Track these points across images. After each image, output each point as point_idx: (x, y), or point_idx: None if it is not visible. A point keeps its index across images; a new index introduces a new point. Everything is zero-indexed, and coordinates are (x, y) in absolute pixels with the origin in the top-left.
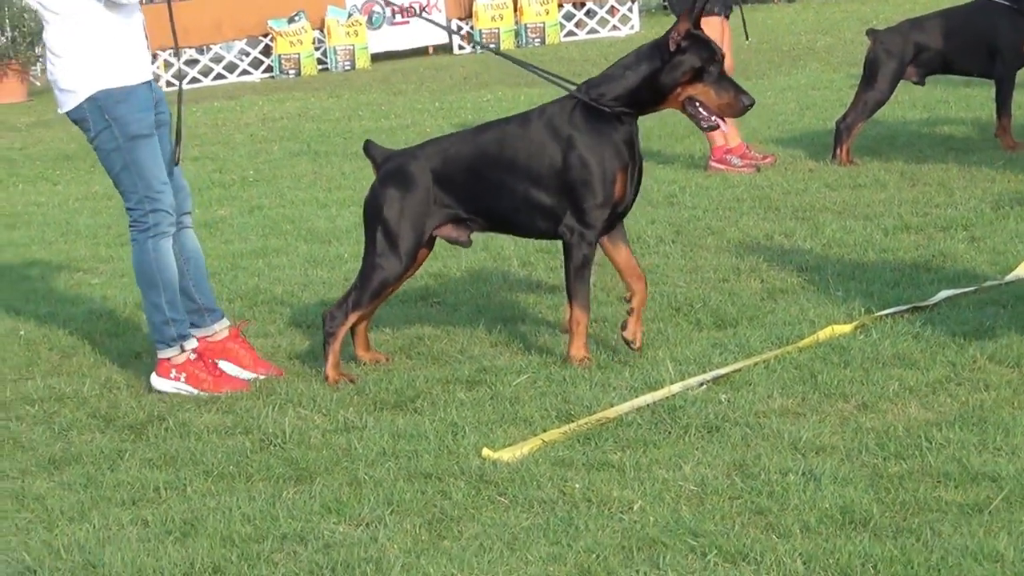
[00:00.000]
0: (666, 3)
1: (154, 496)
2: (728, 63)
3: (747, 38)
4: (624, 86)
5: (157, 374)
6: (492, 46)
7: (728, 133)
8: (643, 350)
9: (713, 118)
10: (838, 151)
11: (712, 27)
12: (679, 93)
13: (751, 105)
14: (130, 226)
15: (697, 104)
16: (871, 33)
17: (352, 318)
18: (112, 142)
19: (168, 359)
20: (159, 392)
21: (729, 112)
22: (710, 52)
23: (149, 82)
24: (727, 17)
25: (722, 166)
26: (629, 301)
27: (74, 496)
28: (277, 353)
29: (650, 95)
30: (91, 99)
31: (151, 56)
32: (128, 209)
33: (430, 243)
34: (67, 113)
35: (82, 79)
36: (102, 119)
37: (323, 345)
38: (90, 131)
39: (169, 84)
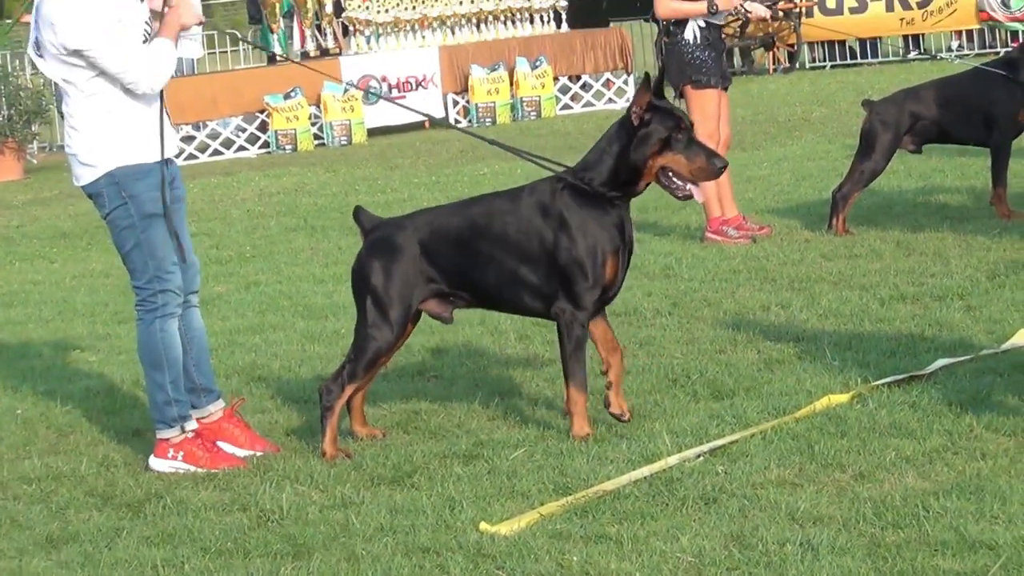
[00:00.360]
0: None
1: (152, 574)
2: (726, 134)
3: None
4: (606, 169)
5: (155, 455)
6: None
7: (725, 204)
8: (639, 422)
9: (688, 187)
10: (834, 221)
11: (709, 99)
12: (652, 166)
13: (724, 167)
14: (137, 305)
15: (670, 174)
16: (867, 104)
17: (348, 390)
18: (127, 219)
19: (167, 439)
20: (157, 472)
21: (702, 176)
22: (675, 120)
23: (168, 160)
24: (725, 89)
25: (718, 237)
26: (606, 374)
27: (72, 575)
28: (274, 429)
29: (627, 174)
30: (109, 175)
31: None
32: (136, 287)
33: (415, 317)
34: (83, 187)
35: (101, 154)
36: (118, 196)
37: (320, 420)
38: (104, 207)
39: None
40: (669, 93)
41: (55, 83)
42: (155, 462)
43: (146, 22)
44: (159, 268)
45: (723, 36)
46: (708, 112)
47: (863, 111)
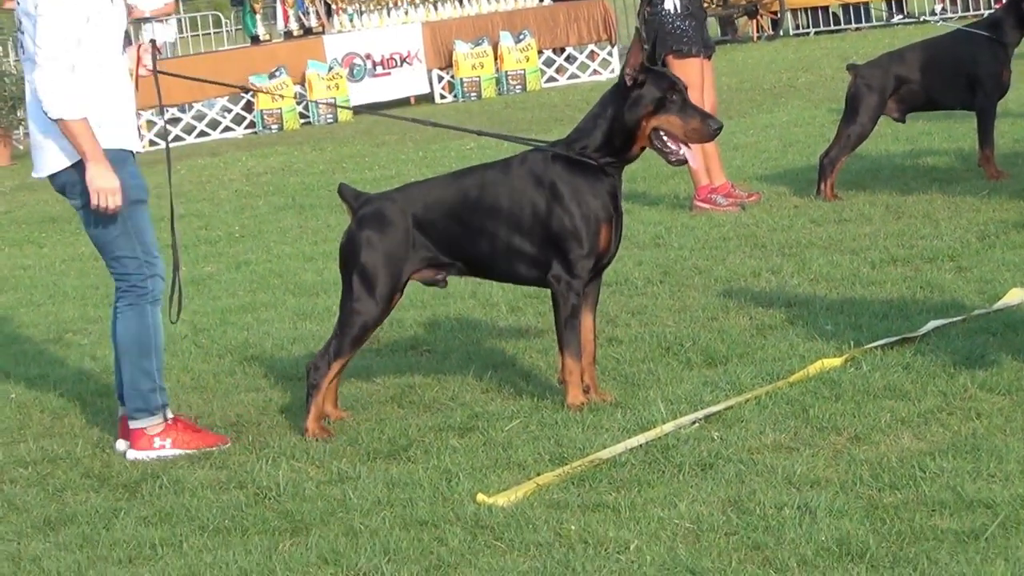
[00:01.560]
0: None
1: (150, 553)
2: (711, 102)
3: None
4: (600, 135)
5: (136, 448)
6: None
7: (713, 172)
8: (634, 390)
9: (682, 151)
10: (822, 186)
11: (691, 68)
12: (645, 127)
13: (719, 129)
14: (123, 293)
15: (664, 136)
16: (851, 68)
17: (336, 367)
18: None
19: (144, 429)
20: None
21: (697, 137)
22: (669, 81)
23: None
24: (708, 58)
25: (707, 205)
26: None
27: (71, 557)
28: (268, 407)
29: (622, 137)
30: None
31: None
32: (124, 275)
33: (402, 290)
34: (58, 173)
35: None
36: None
37: (306, 397)
38: (82, 195)
39: (153, 143)
40: None
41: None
42: (136, 454)
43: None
44: (147, 253)
45: (704, 5)
46: (691, 81)
47: (848, 76)
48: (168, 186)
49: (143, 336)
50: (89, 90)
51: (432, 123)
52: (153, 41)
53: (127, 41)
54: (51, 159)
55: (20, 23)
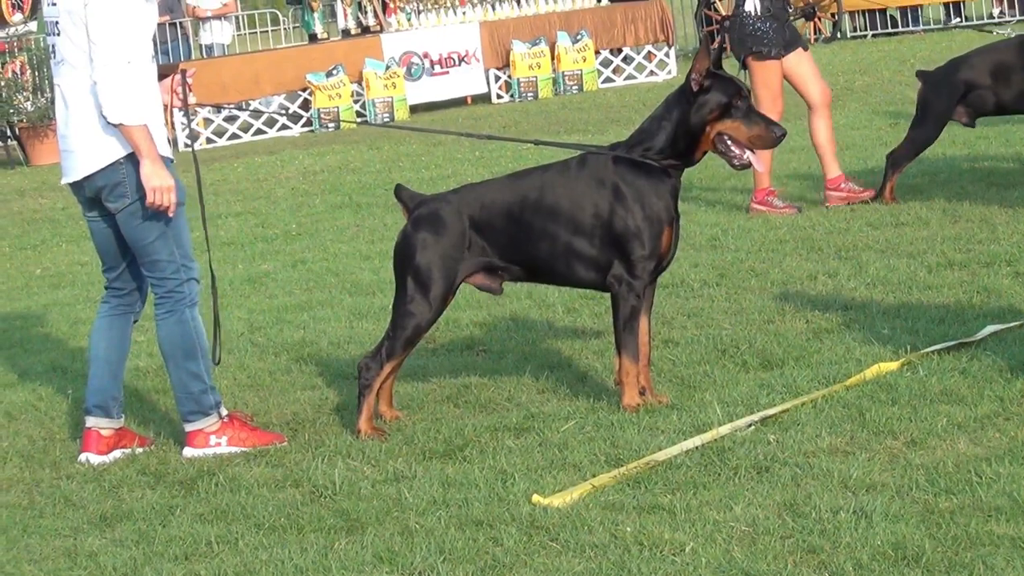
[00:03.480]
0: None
1: (206, 550)
2: (821, 92)
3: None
4: (663, 137)
5: (192, 446)
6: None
7: (831, 165)
8: (690, 392)
9: (746, 156)
10: (884, 187)
11: (771, 70)
12: (710, 132)
13: (783, 136)
14: (162, 298)
15: (728, 141)
16: (920, 74)
17: (388, 368)
18: (151, 207)
19: (202, 429)
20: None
21: (760, 143)
22: (735, 87)
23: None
24: (805, 48)
25: (764, 208)
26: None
27: (126, 552)
28: (324, 405)
29: (686, 141)
30: (131, 156)
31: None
32: (160, 280)
33: (456, 289)
34: (94, 174)
35: (120, 137)
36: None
37: (357, 397)
38: (126, 196)
39: (210, 141)
40: (733, 65)
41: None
42: (193, 452)
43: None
44: (185, 256)
45: (788, 5)
46: (771, 84)
47: (916, 82)
48: (203, 228)
49: (186, 340)
50: (132, 79)
51: (496, 137)
52: (184, 72)
53: (185, 47)
54: (86, 161)
55: (54, 24)
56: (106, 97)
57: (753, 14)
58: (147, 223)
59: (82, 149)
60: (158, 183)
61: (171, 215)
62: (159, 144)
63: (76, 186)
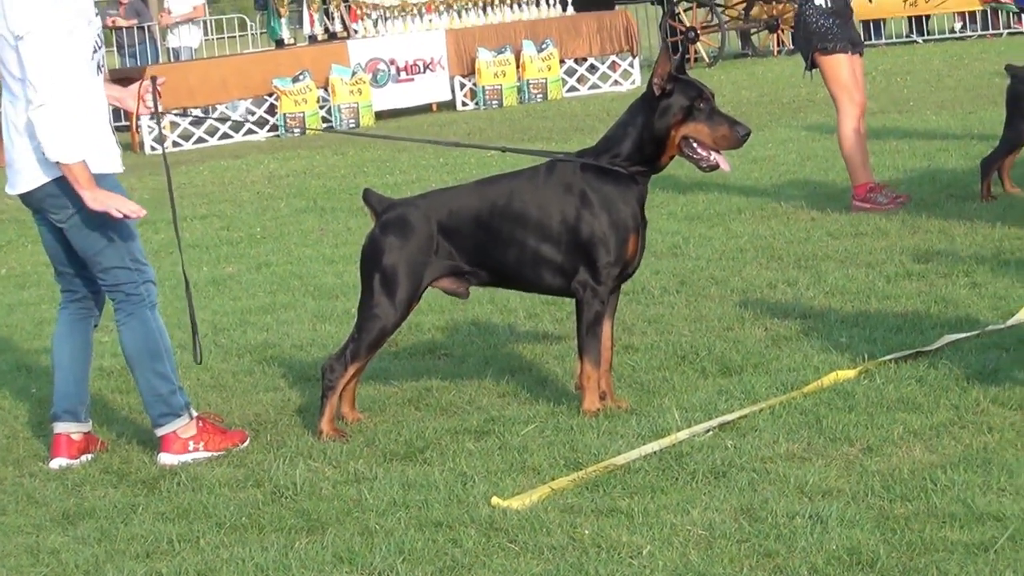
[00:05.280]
0: (688, 56)
1: (168, 549)
2: (860, 100)
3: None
4: (630, 144)
5: (169, 452)
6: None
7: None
8: (649, 398)
9: (713, 157)
10: (982, 188)
11: (839, 64)
12: (675, 136)
13: (747, 135)
14: (122, 302)
15: (694, 144)
16: (1009, 68)
17: (351, 370)
18: (97, 217)
19: (176, 432)
20: (171, 466)
21: (725, 144)
22: (697, 90)
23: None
24: (860, 54)
25: (867, 205)
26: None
27: (88, 550)
28: (286, 406)
29: (652, 146)
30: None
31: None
32: (116, 286)
33: (421, 294)
34: (37, 189)
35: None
36: None
37: (320, 398)
38: (68, 207)
39: (176, 144)
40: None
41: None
42: (169, 458)
43: (95, 45)
44: (136, 261)
45: (850, 4)
46: (842, 78)
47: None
48: (175, 231)
49: (151, 342)
50: (77, 106)
51: (462, 144)
52: (154, 79)
53: (153, 51)
54: (28, 179)
55: None
56: (43, 136)
57: (821, 9)
58: (94, 233)
59: (25, 169)
60: (102, 205)
61: (105, 227)
62: (107, 158)
63: (22, 196)
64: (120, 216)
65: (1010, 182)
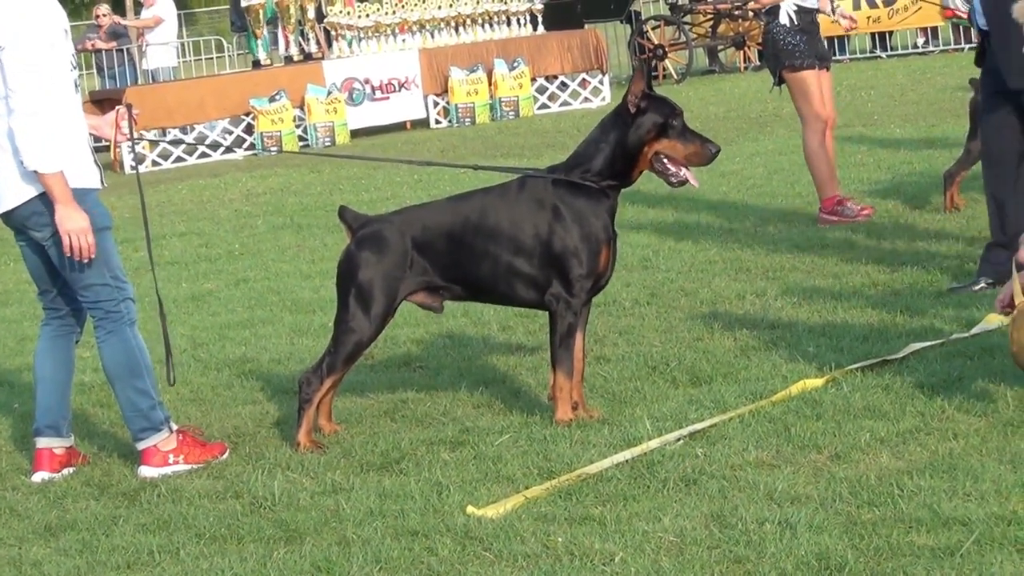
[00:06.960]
0: (655, 73)
1: (148, 559)
2: (829, 114)
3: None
4: (601, 159)
5: (149, 464)
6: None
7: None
8: (621, 408)
9: (683, 173)
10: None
11: (807, 80)
12: (647, 151)
13: (717, 152)
14: (102, 319)
15: (664, 160)
16: (973, 83)
17: (328, 383)
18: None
19: (156, 446)
20: (151, 479)
21: (697, 160)
22: (670, 107)
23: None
24: (826, 69)
25: (834, 218)
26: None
27: (70, 562)
28: (264, 419)
29: (623, 161)
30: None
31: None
32: (96, 303)
33: (396, 308)
34: (19, 207)
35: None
36: None
37: (297, 411)
38: (48, 226)
39: (155, 163)
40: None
41: None
42: (149, 471)
43: (71, 62)
44: (116, 279)
45: (816, 20)
46: (809, 93)
47: (969, 91)
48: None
49: (131, 358)
50: (56, 122)
51: (435, 163)
52: (130, 106)
53: (132, 72)
54: (10, 196)
55: None
56: (22, 145)
57: (786, 27)
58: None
59: (7, 185)
60: (71, 226)
61: (89, 255)
62: (87, 173)
63: (3, 215)
64: (78, 246)
65: (957, 194)
